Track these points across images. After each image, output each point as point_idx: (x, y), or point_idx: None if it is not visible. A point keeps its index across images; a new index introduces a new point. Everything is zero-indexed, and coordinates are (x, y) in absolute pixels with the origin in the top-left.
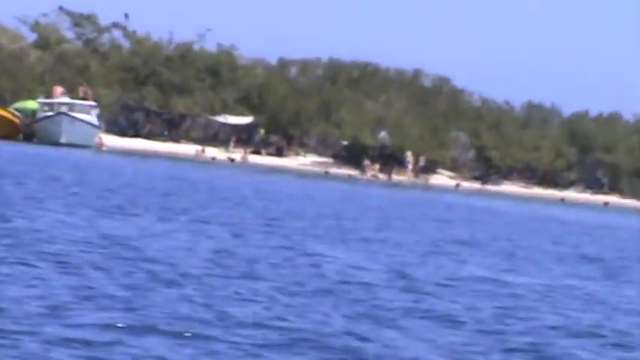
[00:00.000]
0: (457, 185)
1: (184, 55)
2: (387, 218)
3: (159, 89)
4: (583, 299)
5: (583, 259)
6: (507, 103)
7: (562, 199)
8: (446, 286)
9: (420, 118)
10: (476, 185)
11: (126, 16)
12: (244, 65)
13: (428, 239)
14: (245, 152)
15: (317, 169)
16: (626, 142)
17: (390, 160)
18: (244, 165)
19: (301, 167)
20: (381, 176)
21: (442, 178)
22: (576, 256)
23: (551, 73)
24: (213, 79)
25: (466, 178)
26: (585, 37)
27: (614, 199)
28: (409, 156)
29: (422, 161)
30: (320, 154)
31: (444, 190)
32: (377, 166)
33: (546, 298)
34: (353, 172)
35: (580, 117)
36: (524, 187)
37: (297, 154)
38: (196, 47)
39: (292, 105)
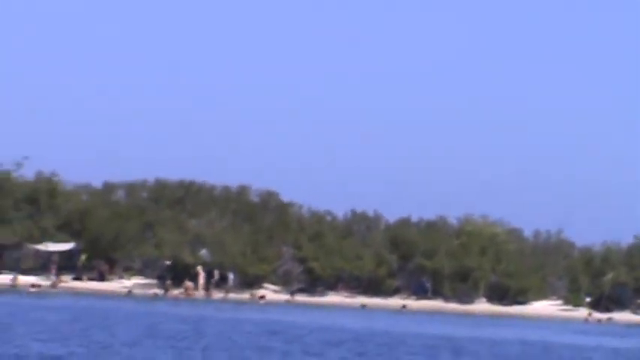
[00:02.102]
0: (261, 297)
1: (1, 185)
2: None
3: None
4: None
5: None
6: (329, 213)
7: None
8: None
9: (243, 233)
10: (284, 297)
11: None
12: (66, 191)
13: None
14: (57, 278)
15: (138, 291)
16: (446, 246)
17: (211, 277)
18: (53, 291)
19: (118, 290)
20: (202, 293)
21: (264, 292)
22: None
23: (373, 180)
24: (31, 207)
25: (290, 291)
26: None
27: (416, 303)
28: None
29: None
30: (147, 276)
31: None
32: (191, 284)
33: None
34: (158, 291)
35: (402, 224)
36: (349, 296)
37: (121, 277)
38: (14, 176)
39: (111, 228)
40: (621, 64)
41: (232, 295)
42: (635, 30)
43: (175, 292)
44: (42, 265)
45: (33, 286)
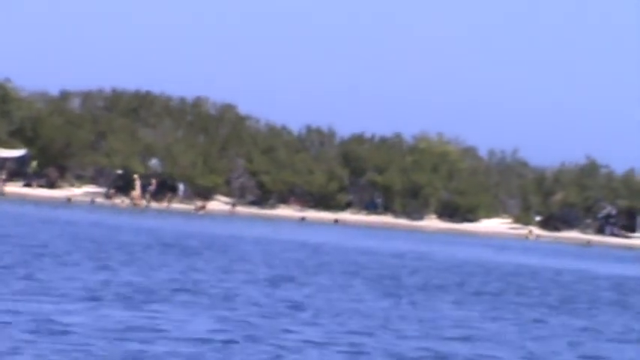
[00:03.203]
0: (201, 207)
1: None
2: None
3: None
4: None
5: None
6: (285, 127)
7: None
8: None
9: (196, 145)
10: (225, 208)
11: None
12: (21, 98)
13: None
14: (2, 184)
15: (86, 199)
16: (399, 163)
17: (163, 188)
18: None
19: (66, 197)
20: (156, 204)
21: (215, 204)
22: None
23: (329, 94)
24: None
25: (243, 203)
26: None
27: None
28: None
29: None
30: (100, 184)
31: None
32: (137, 194)
33: None
34: (100, 199)
35: (355, 139)
36: (300, 210)
37: (72, 185)
38: None
39: (63, 136)
40: None
41: (177, 206)
42: None
43: (118, 200)
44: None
45: None
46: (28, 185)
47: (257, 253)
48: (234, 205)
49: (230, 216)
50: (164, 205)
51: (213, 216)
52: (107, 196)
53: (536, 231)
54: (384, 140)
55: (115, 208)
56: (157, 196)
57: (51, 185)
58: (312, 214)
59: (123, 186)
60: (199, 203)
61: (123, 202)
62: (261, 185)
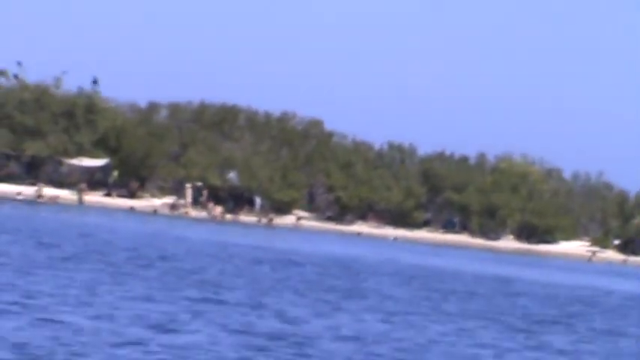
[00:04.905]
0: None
1: (39, 98)
2: None
3: (12, 132)
4: None
5: None
6: (365, 143)
7: (359, 234)
8: None
9: (277, 159)
10: (315, 224)
11: None
12: (106, 108)
13: None
14: (79, 192)
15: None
16: (478, 182)
17: (240, 200)
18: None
19: (144, 207)
20: (229, 217)
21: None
22: None
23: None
24: (68, 122)
25: (321, 219)
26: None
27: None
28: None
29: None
30: (180, 196)
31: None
32: (218, 207)
33: None
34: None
35: (436, 157)
36: (376, 227)
37: (153, 195)
38: (54, 89)
39: (144, 147)
40: None
41: (244, 218)
42: None
43: (184, 210)
44: (82, 179)
45: (18, 194)
46: (108, 195)
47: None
48: (298, 219)
49: (294, 229)
50: (228, 217)
51: (278, 229)
52: (173, 207)
53: (610, 254)
54: (464, 159)
55: (185, 219)
56: (234, 209)
57: (131, 195)
58: (368, 229)
59: (198, 198)
60: (269, 216)
61: (187, 212)
62: (338, 200)
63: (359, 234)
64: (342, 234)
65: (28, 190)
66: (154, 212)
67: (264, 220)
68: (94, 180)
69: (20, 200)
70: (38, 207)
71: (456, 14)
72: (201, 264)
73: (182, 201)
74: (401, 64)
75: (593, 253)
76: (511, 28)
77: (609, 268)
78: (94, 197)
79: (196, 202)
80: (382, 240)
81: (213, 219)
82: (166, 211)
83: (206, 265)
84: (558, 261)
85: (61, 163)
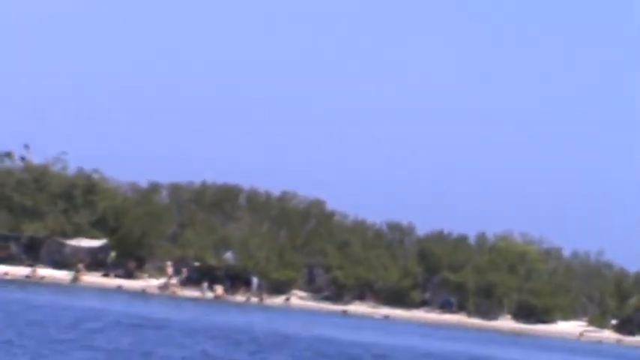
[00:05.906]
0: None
1: (39, 178)
2: None
3: (10, 213)
4: None
5: None
6: (364, 222)
7: (344, 312)
8: None
9: (275, 239)
10: (309, 303)
11: None
12: (105, 188)
13: None
14: (75, 273)
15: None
16: (474, 262)
17: (237, 280)
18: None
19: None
20: (229, 297)
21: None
22: None
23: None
24: (67, 203)
25: (318, 299)
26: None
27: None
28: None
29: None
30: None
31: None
32: (219, 287)
33: None
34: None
35: (434, 236)
36: (373, 306)
37: (151, 276)
38: (53, 170)
39: (141, 227)
40: None
41: (240, 298)
42: None
43: (178, 290)
44: (84, 260)
45: (27, 277)
46: (106, 275)
47: None
48: (287, 299)
49: (285, 308)
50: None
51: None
52: (163, 287)
53: (606, 334)
54: (464, 238)
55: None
56: (231, 289)
57: (129, 275)
58: (354, 307)
59: (197, 278)
60: (260, 296)
61: (174, 292)
62: (335, 280)
63: (344, 312)
64: (328, 313)
65: (23, 271)
66: (142, 292)
67: (254, 299)
68: (97, 260)
69: (7, 280)
70: (23, 287)
71: (452, 97)
72: None
73: (173, 280)
74: (404, 147)
75: (581, 333)
76: (509, 111)
77: (598, 347)
78: (92, 278)
79: (190, 282)
80: (368, 319)
81: (217, 299)
82: (155, 290)
83: None
84: (544, 340)
85: (63, 244)
